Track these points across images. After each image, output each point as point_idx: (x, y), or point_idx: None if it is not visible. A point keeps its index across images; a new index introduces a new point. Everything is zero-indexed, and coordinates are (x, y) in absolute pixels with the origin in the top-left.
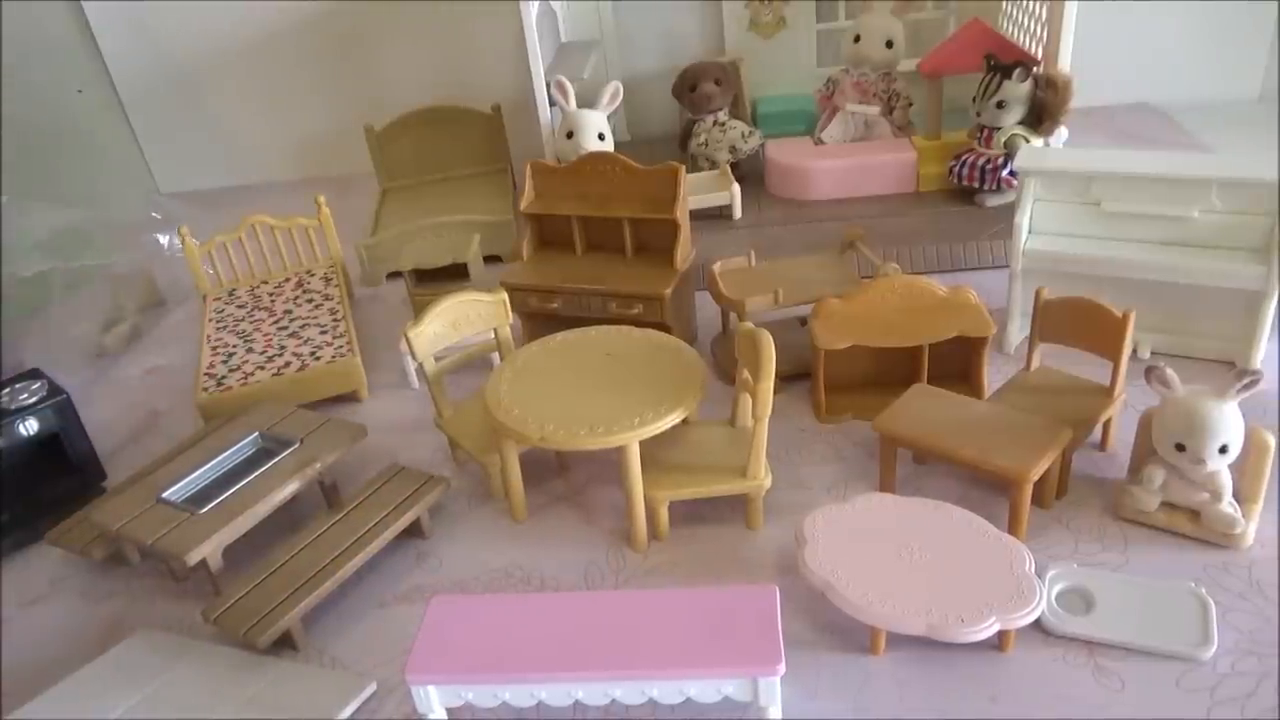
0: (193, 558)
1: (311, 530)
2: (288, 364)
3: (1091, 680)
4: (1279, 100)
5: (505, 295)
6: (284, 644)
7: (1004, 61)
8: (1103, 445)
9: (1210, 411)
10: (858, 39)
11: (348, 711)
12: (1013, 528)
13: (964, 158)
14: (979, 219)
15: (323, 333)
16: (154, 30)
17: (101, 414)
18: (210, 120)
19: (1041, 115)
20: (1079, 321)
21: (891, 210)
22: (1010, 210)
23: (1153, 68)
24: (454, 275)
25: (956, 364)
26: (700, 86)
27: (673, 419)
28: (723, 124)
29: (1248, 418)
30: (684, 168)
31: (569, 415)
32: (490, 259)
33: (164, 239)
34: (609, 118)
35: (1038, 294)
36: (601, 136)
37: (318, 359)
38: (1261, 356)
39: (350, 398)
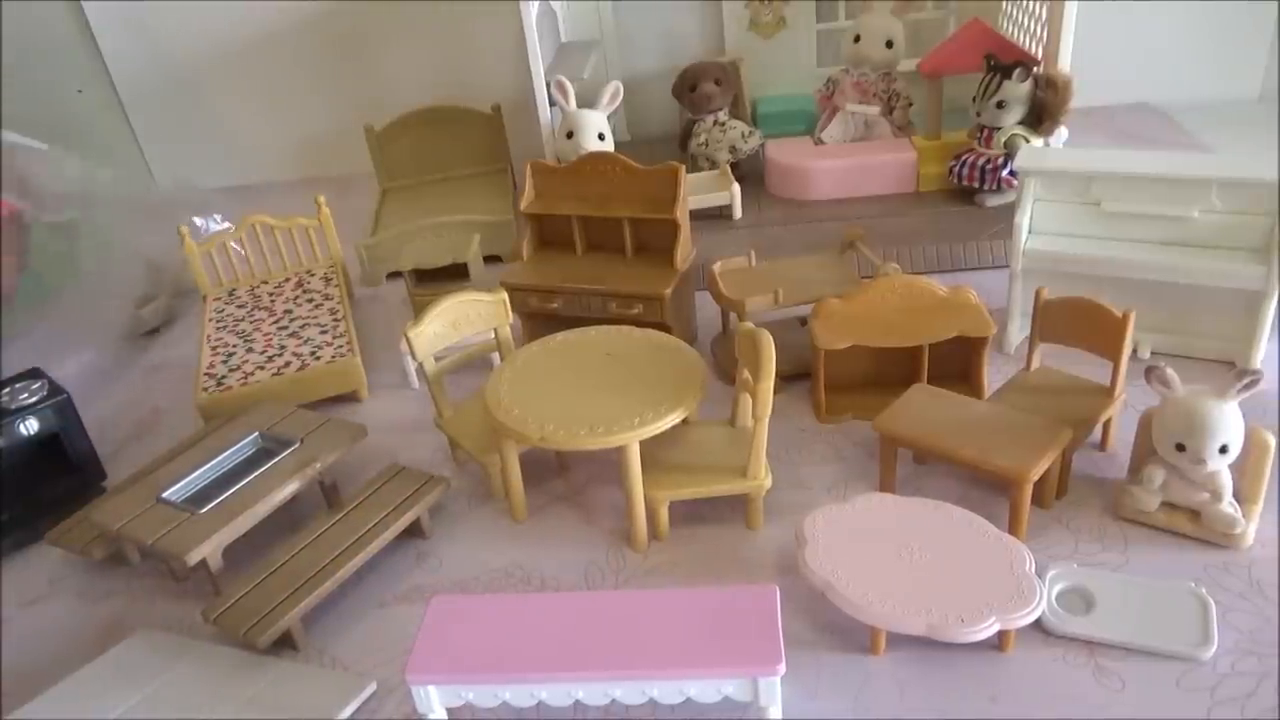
0: (193, 558)
1: (311, 530)
2: (288, 364)
3: (1092, 680)
4: (1279, 100)
5: (505, 295)
6: (284, 644)
7: (1004, 61)
8: (1103, 445)
9: (1210, 411)
10: (858, 39)
11: (348, 711)
12: (1013, 528)
13: (964, 158)
14: (979, 219)
15: (323, 333)
16: (154, 30)
17: (102, 413)
18: (210, 120)
19: (1041, 115)
20: (1079, 321)
21: (891, 210)
22: (1010, 210)
23: (1153, 68)
24: (454, 275)
25: (956, 364)
26: (700, 86)
27: (673, 419)
28: (723, 124)
29: (1248, 418)
30: (684, 168)
31: (569, 415)
32: (490, 259)
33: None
34: (609, 118)
35: (1038, 294)
36: (601, 136)
37: (318, 359)
38: (1261, 356)
39: (350, 398)
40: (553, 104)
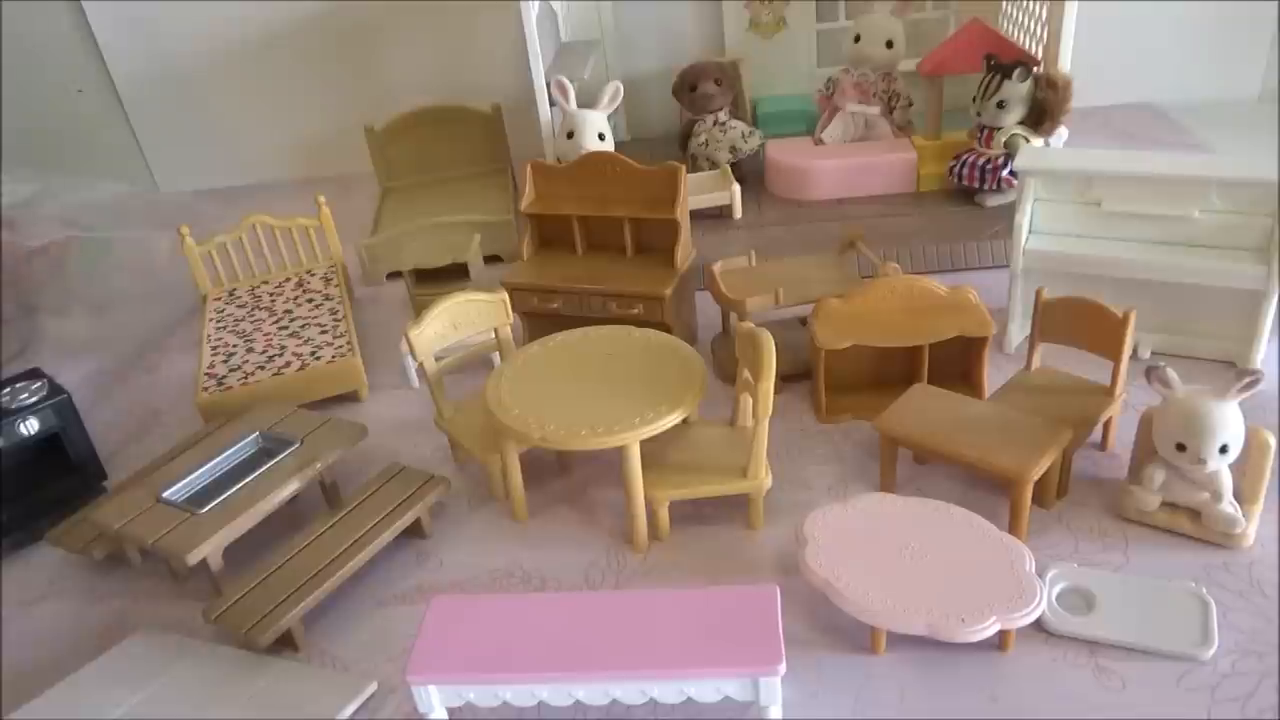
0: (193, 558)
1: (312, 530)
2: (288, 364)
3: (1092, 680)
4: (1279, 100)
5: (506, 295)
6: (284, 644)
7: (1004, 61)
8: (1103, 445)
9: (1211, 411)
10: (858, 39)
11: (348, 711)
12: (1013, 527)
13: (964, 158)
14: (979, 219)
15: (323, 332)
16: (154, 30)
17: (102, 414)
18: (210, 120)
19: (1041, 115)
20: (1079, 321)
21: (892, 210)
22: (1010, 210)
23: (1153, 68)
24: (454, 275)
25: (957, 364)
26: (700, 87)
27: (673, 419)
28: (723, 124)
29: (1248, 418)
30: (684, 168)
31: (569, 415)
32: (490, 259)
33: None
34: (609, 118)
35: (1038, 294)
36: (602, 136)
37: (318, 359)
38: (1262, 356)
39: (350, 398)
40: (553, 104)
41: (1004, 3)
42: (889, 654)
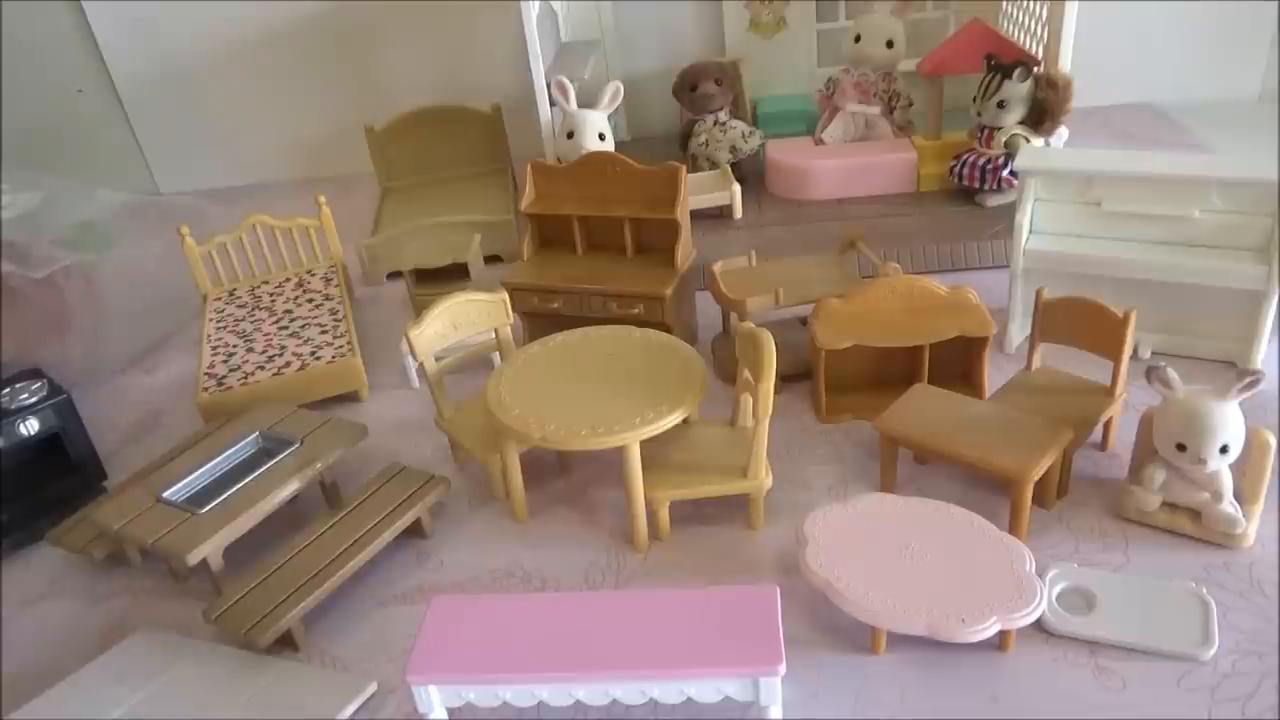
0: (193, 558)
1: (312, 530)
2: (288, 364)
3: (1092, 680)
4: (1279, 100)
5: (506, 295)
6: (285, 644)
7: (1004, 61)
8: (1104, 445)
9: (1211, 411)
10: (858, 39)
11: (348, 711)
12: (1013, 528)
13: (964, 158)
14: (979, 219)
15: (323, 332)
16: (154, 30)
17: (102, 414)
18: (210, 120)
19: (1042, 115)
20: (1080, 321)
21: (892, 210)
22: (1010, 210)
23: (1153, 68)
24: (454, 275)
25: (957, 364)
26: (700, 86)
27: (673, 419)
28: (723, 124)
29: (1248, 418)
30: (685, 168)
31: (570, 415)
32: (490, 259)
33: None
34: (609, 118)
35: (1038, 294)
36: (602, 136)
37: (318, 359)
38: (1262, 356)
39: (351, 398)
40: (553, 104)
41: (1004, 2)
42: (889, 654)
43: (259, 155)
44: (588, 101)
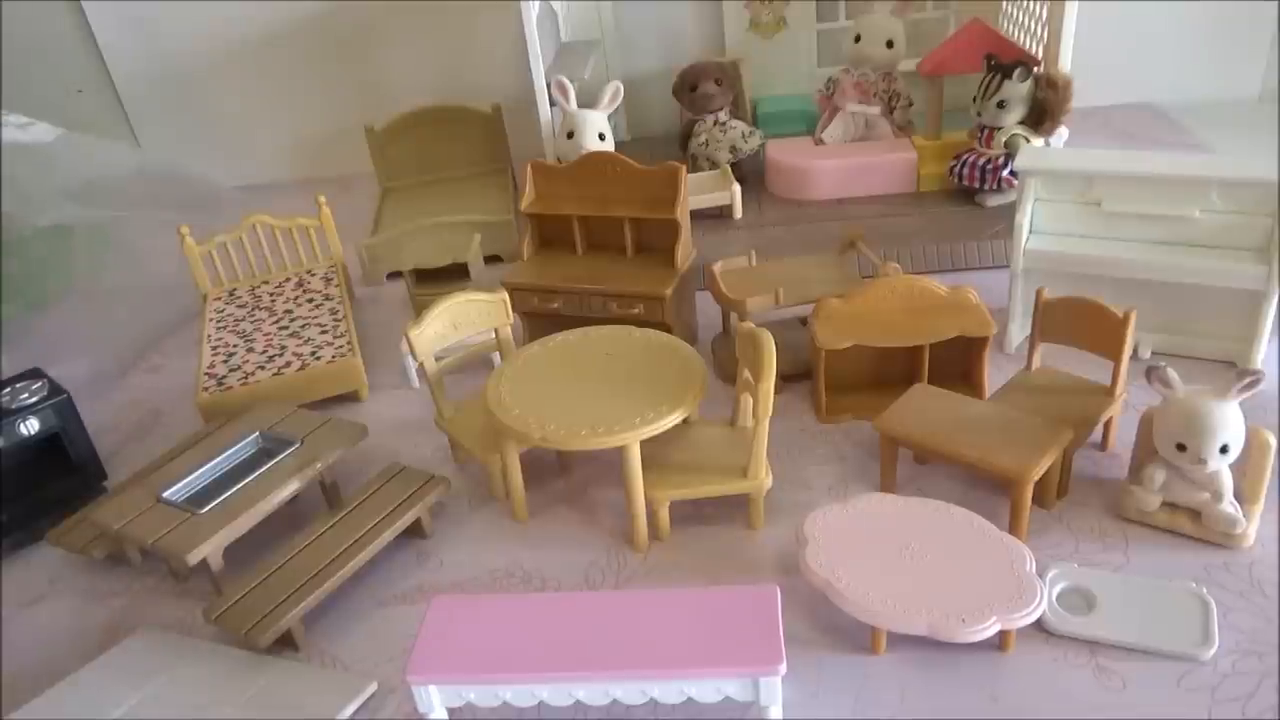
0: (193, 557)
1: (312, 530)
2: (288, 364)
3: (1092, 680)
4: (1279, 100)
5: (506, 295)
6: (285, 643)
7: (1004, 61)
8: (1104, 445)
9: (1211, 411)
10: (858, 39)
11: (348, 711)
12: (1014, 528)
13: (964, 158)
14: (979, 219)
15: (323, 332)
16: (154, 30)
17: (102, 414)
18: (210, 120)
19: (1042, 115)
20: (1080, 321)
21: (892, 210)
22: (1010, 210)
23: (1153, 68)
24: (454, 275)
25: (957, 364)
26: (700, 86)
27: (674, 419)
28: (723, 124)
29: (1248, 418)
30: (685, 168)
31: (570, 415)
32: (490, 259)
33: None
34: (609, 118)
35: (1038, 294)
36: (602, 136)
37: (318, 359)
38: (1262, 356)
39: (351, 398)
40: (553, 104)
41: (1004, 2)
42: (889, 654)
43: (259, 155)
44: (588, 101)
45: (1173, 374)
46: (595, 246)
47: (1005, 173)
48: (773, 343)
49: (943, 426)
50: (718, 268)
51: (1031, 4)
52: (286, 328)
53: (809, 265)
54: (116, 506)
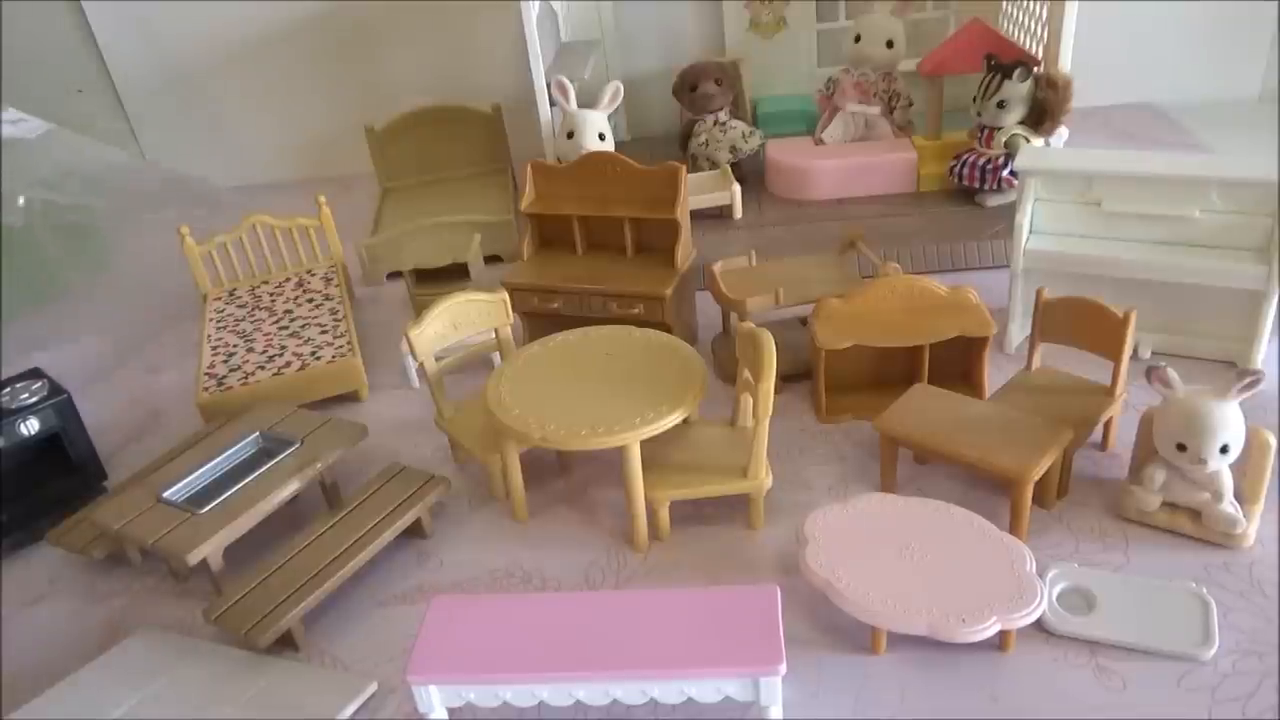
0: (194, 558)
1: (312, 530)
2: (288, 364)
3: (1093, 680)
4: (1279, 100)
5: (506, 295)
6: (285, 644)
7: (1004, 61)
8: (1104, 445)
9: (1211, 411)
10: (858, 39)
11: (349, 711)
12: (1014, 528)
13: (964, 158)
14: (979, 219)
15: (323, 332)
16: (154, 30)
17: (102, 414)
18: (211, 120)
19: (1042, 115)
20: (1080, 321)
21: (892, 210)
22: (1010, 210)
23: (1153, 68)
24: (454, 275)
25: (957, 364)
26: (700, 87)
27: (674, 419)
28: (723, 124)
29: (1248, 418)
30: (685, 168)
31: (570, 415)
32: (490, 259)
33: None
34: (609, 118)
35: (1038, 294)
36: (602, 136)
37: (318, 359)
38: (1262, 356)
39: (351, 398)
40: (553, 104)
41: (1004, 2)
42: (889, 654)
43: (259, 155)
44: (588, 101)
45: (1173, 374)
46: (595, 246)
47: (1005, 173)
48: (773, 343)
49: (943, 426)
50: (718, 268)
51: (1031, 4)
52: (286, 328)
53: (809, 265)
54: (116, 506)
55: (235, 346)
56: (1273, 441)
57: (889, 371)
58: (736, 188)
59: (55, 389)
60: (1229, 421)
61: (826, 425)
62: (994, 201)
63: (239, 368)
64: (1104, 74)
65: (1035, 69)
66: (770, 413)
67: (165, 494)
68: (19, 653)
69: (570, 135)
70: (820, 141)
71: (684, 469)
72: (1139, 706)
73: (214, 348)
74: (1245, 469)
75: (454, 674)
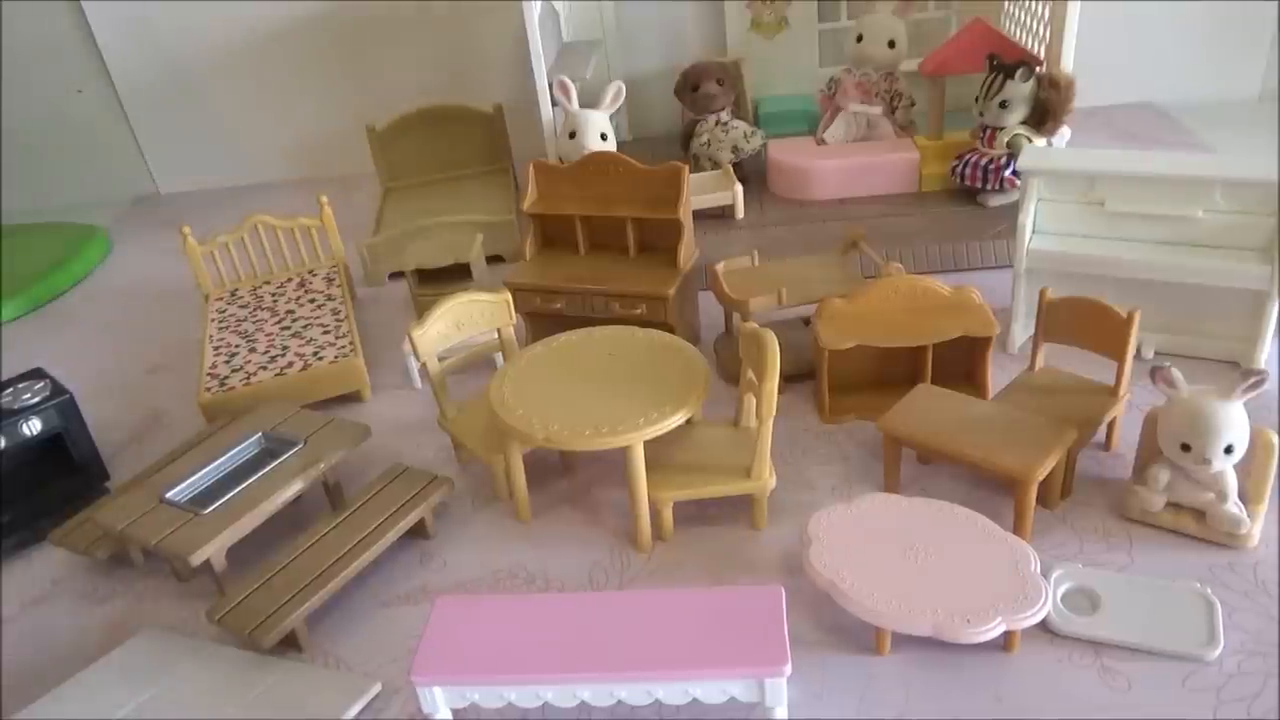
0: (197, 558)
1: (315, 531)
2: (290, 364)
3: (1097, 680)
4: (1279, 100)
5: (509, 295)
6: (288, 644)
7: (1007, 61)
8: (1108, 445)
9: (1215, 411)
10: (860, 39)
11: (352, 712)
12: (1018, 528)
13: (966, 158)
14: (982, 219)
15: (325, 333)
16: (154, 30)
17: (105, 414)
18: (210, 120)
19: (1044, 115)
20: (1083, 321)
21: (894, 210)
22: (1013, 210)
23: (1155, 67)
24: (456, 275)
25: (960, 364)
26: (702, 86)
27: (677, 419)
28: (725, 124)
29: (1253, 418)
30: (687, 167)
31: (573, 415)
32: (492, 259)
33: None
34: (611, 117)
35: (1042, 294)
36: (604, 136)
37: (320, 359)
38: (1266, 356)
39: (353, 398)
40: (555, 104)
41: (1006, 2)
42: (894, 654)
43: (260, 155)
44: (590, 101)
45: (1177, 374)
46: (598, 246)
47: (1008, 173)
48: (776, 343)
49: (946, 427)
50: (720, 268)
51: (1034, 4)
52: (288, 328)
53: (811, 265)
54: (119, 507)
55: (237, 347)
56: (1277, 442)
57: (892, 372)
58: (738, 188)
59: (57, 389)
60: (1233, 422)
61: (830, 425)
62: (996, 201)
63: (241, 368)
64: (1106, 74)
65: (1037, 69)
66: (773, 413)
67: (168, 494)
68: (21, 653)
69: (572, 135)
70: (822, 141)
71: (687, 469)
72: (1144, 707)
73: (216, 348)
74: (1249, 469)
75: (458, 674)
